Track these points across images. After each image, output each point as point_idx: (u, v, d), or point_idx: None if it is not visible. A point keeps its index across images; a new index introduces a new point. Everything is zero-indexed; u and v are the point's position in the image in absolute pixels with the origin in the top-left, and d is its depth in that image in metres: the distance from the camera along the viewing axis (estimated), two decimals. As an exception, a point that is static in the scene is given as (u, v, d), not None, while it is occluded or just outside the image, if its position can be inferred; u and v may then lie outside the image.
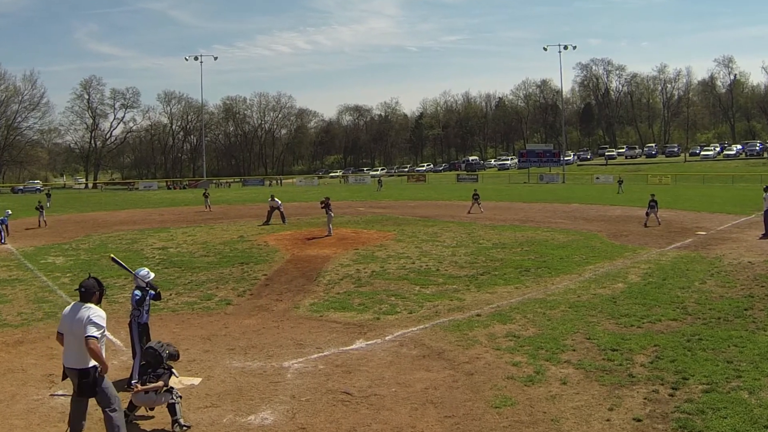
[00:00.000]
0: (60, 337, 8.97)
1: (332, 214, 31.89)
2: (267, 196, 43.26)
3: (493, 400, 10.61)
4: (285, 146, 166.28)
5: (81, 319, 8.66)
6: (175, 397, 9.90)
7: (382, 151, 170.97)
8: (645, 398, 10.49)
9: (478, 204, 44.31)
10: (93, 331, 8.60)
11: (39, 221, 39.58)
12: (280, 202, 38.85)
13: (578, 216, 40.89)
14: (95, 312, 8.77)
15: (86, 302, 8.87)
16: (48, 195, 65.03)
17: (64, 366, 8.91)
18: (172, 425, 9.75)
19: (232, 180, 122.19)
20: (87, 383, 8.78)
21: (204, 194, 54.28)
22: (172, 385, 10.12)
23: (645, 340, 13.62)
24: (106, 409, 8.90)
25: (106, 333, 9.13)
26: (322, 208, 32.45)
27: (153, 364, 10.04)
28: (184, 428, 9.76)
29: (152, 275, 12.31)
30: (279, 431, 9.76)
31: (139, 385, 9.88)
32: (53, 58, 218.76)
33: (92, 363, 8.71)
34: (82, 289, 8.91)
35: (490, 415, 10.09)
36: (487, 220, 38.42)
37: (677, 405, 10.15)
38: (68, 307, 9.10)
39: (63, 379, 9.20)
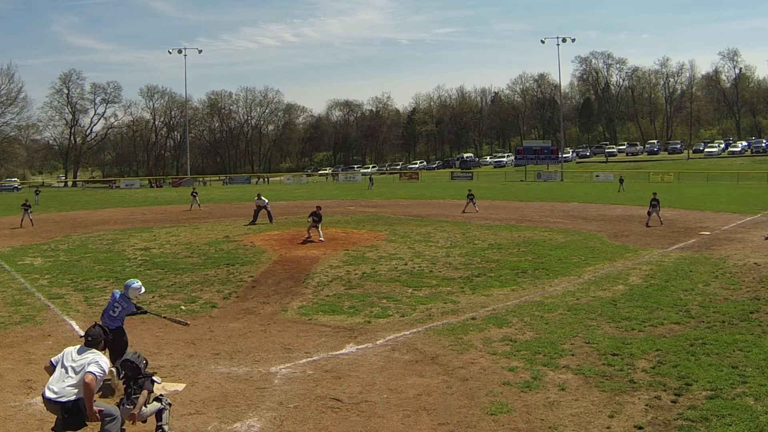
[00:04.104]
0: (51, 368, 9.13)
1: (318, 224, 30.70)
2: (253, 195, 43.17)
3: (488, 407, 10.62)
4: (272, 143, 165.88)
5: (86, 357, 9.02)
6: (164, 404, 9.90)
7: (373, 148, 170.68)
8: (647, 405, 10.52)
9: (473, 203, 44.41)
10: (95, 369, 8.91)
11: (22, 221, 39.09)
12: (267, 201, 38.78)
13: (577, 215, 41.00)
14: (102, 358, 9.17)
15: (92, 348, 9.23)
16: (37, 192, 65.00)
17: (45, 398, 8.89)
18: (157, 430, 9.74)
19: (216, 178, 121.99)
20: (75, 416, 8.84)
21: (192, 193, 54.30)
22: (161, 394, 10.13)
23: (647, 345, 13.65)
24: (106, 417, 9.01)
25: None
26: (310, 217, 30.80)
27: (132, 376, 10.00)
28: None
29: (143, 291, 12.83)
30: (266, 440, 9.77)
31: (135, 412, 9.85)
32: (30, 51, 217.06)
33: (80, 396, 8.78)
34: (89, 338, 9.30)
35: (485, 422, 10.10)
36: (482, 219, 38.47)
37: (680, 412, 10.18)
38: (74, 347, 9.34)
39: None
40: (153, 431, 9.75)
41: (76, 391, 8.76)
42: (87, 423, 8.98)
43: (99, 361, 9.00)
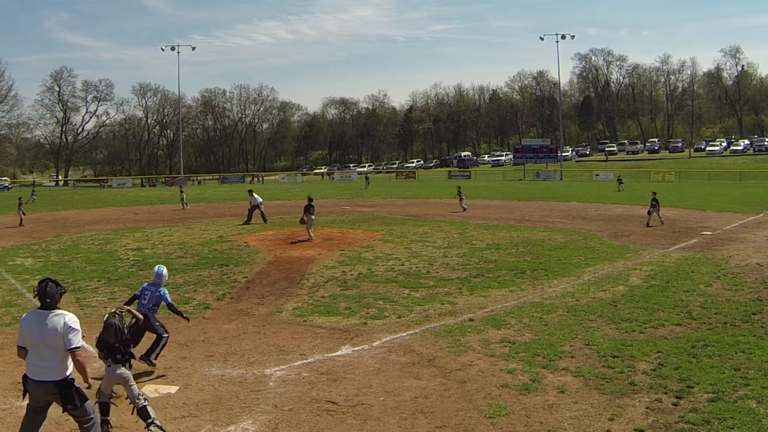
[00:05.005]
0: (23, 351, 8.63)
1: (314, 218, 30.94)
2: (247, 194, 42.87)
3: (486, 410, 10.61)
4: (267, 141, 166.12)
5: (56, 327, 8.43)
6: (141, 398, 9.93)
7: (369, 147, 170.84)
8: (647, 407, 10.51)
9: (460, 200, 44.68)
10: (77, 341, 8.50)
11: (21, 221, 39.57)
12: (260, 200, 38.67)
13: (577, 215, 41.02)
14: (71, 318, 8.59)
15: (51, 309, 8.59)
16: (33, 191, 65.06)
17: (31, 380, 8.57)
18: (148, 427, 9.76)
19: (211, 177, 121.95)
20: (71, 393, 8.59)
21: (180, 192, 54.42)
22: (140, 392, 10.17)
23: (647, 347, 13.65)
24: (85, 424, 8.77)
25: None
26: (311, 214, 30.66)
27: (121, 341, 10.03)
28: (162, 430, 9.85)
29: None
30: (260, 443, 9.76)
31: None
32: (21, 48, 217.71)
33: (70, 371, 8.58)
34: (47, 300, 8.57)
35: (483, 425, 10.09)
36: (480, 219, 38.48)
37: (681, 415, 10.17)
38: (29, 317, 8.72)
39: (25, 395, 8.78)
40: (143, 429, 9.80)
41: (64, 367, 8.51)
42: (82, 400, 8.66)
43: (71, 325, 8.47)
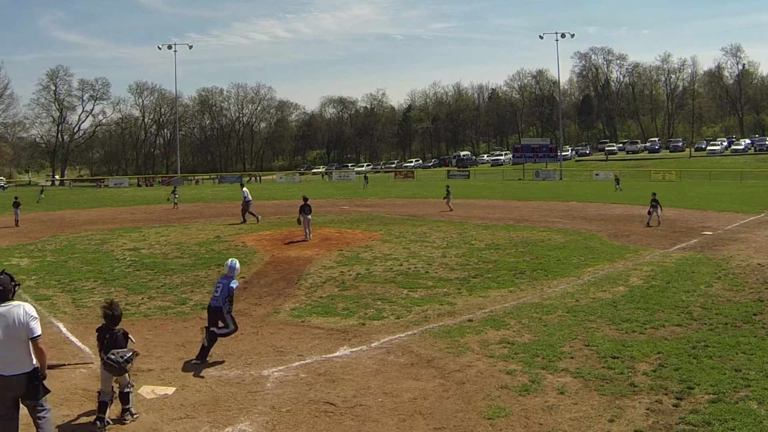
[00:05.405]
0: None
1: (310, 218, 30.71)
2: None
3: (485, 411, 10.61)
4: (264, 141, 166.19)
5: (16, 319, 8.49)
6: (130, 386, 10.27)
7: (367, 146, 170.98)
8: (647, 409, 10.51)
9: (448, 200, 44.96)
10: (39, 329, 8.58)
11: (17, 221, 39.62)
12: (249, 197, 38.70)
13: (576, 215, 40.99)
14: (29, 307, 8.67)
15: (5, 301, 8.60)
16: (41, 191, 65.06)
17: (2, 377, 8.50)
18: (122, 414, 10.14)
19: (208, 176, 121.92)
20: (38, 384, 8.66)
21: (173, 192, 54.40)
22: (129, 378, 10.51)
23: (648, 347, 13.64)
24: (40, 415, 8.80)
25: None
26: (308, 214, 30.37)
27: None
28: (135, 416, 10.23)
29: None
30: (258, 445, 9.75)
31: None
32: (16, 46, 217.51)
33: (35, 361, 8.62)
34: (0, 288, 8.59)
35: (482, 426, 10.09)
36: (479, 219, 38.45)
37: (682, 416, 10.18)
38: None
39: None
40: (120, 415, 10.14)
41: (30, 357, 8.55)
42: (39, 396, 8.71)
43: (31, 314, 8.56)
